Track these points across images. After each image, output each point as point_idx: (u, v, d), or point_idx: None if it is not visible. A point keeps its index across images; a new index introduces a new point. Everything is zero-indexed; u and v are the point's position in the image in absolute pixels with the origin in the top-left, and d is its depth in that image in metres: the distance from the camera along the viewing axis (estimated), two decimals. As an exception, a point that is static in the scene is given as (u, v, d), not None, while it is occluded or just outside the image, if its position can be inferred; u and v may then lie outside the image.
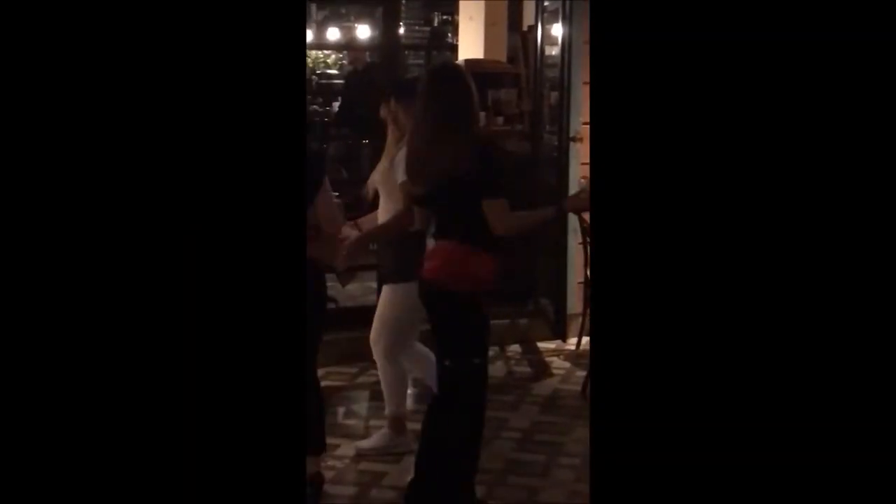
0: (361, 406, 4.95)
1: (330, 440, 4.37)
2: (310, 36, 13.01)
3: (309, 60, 11.97)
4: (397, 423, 4.29)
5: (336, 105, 9.65)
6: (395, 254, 4.12)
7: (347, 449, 4.34)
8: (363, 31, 11.49)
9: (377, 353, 4.28)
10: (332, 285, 6.17)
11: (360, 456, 4.26)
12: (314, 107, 9.51)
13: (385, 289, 4.26)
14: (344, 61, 11.59)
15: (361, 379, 5.31)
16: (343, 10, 12.60)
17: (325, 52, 12.62)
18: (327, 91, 10.61)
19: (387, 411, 4.33)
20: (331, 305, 5.83)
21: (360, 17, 11.87)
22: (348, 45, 11.12)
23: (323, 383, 5.11)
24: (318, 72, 11.77)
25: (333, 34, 12.13)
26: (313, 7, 12.88)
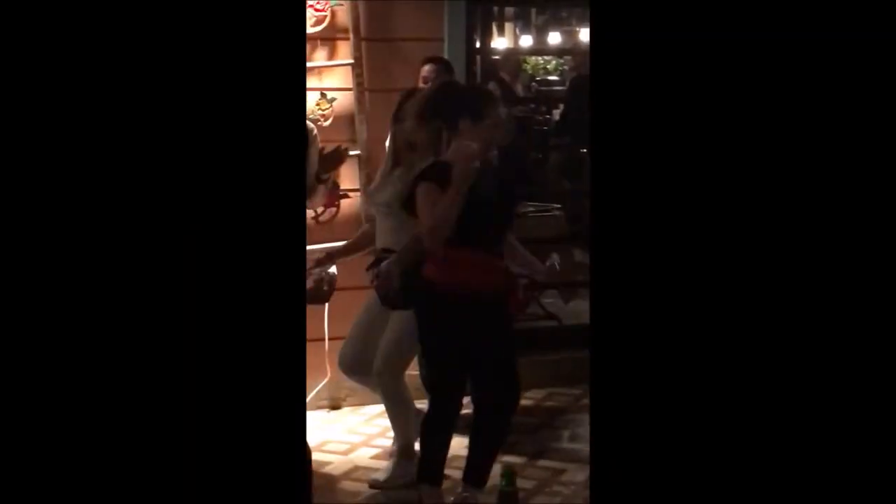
0: (586, 428, 4.89)
1: (556, 464, 4.35)
2: (529, 41, 13.08)
3: (528, 66, 12.05)
4: (409, 451, 4.13)
5: (557, 112, 9.64)
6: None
7: (575, 474, 4.29)
8: (586, 35, 11.45)
9: (385, 383, 4.06)
10: (553, 301, 6.21)
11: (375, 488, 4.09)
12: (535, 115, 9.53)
13: (400, 313, 3.95)
14: (565, 66, 11.58)
15: (586, 400, 5.25)
16: (564, 14, 12.61)
17: (545, 57, 12.67)
18: (548, 98, 10.63)
19: (399, 443, 4.17)
20: (552, 323, 5.83)
21: (582, 21, 11.84)
22: (570, 50, 11.10)
23: (546, 404, 5.14)
24: (537, 78, 11.81)
25: (554, 38, 12.16)
26: (532, 11, 12.95)
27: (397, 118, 3.96)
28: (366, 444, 4.58)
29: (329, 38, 4.89)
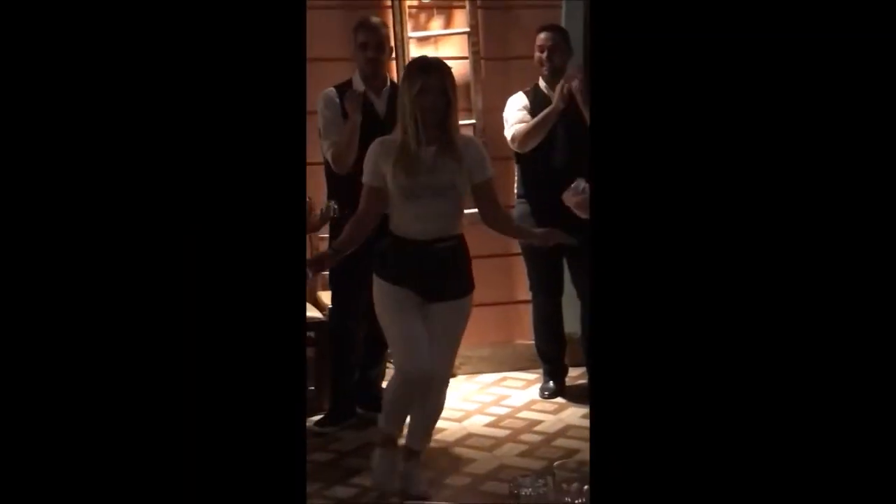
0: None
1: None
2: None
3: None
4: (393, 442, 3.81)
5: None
6: (465, 260, 3.63)
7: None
8: None
9: (441, 385, 3.67)
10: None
11: None
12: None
13: (457, 305, 3.60)
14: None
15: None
16: None
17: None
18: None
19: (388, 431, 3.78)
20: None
21: None
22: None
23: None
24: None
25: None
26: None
27: (423, 89, 3.39)
28: (480, 412, 4.69)
29: (445, 6, 4.97)
